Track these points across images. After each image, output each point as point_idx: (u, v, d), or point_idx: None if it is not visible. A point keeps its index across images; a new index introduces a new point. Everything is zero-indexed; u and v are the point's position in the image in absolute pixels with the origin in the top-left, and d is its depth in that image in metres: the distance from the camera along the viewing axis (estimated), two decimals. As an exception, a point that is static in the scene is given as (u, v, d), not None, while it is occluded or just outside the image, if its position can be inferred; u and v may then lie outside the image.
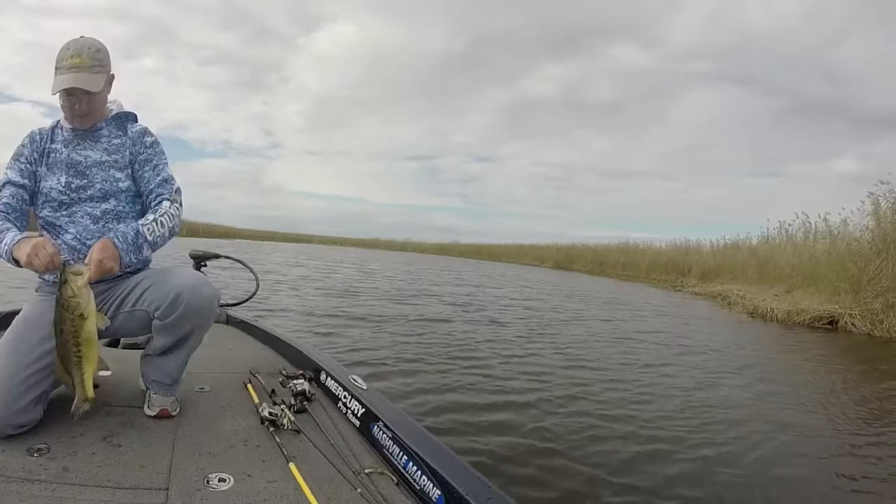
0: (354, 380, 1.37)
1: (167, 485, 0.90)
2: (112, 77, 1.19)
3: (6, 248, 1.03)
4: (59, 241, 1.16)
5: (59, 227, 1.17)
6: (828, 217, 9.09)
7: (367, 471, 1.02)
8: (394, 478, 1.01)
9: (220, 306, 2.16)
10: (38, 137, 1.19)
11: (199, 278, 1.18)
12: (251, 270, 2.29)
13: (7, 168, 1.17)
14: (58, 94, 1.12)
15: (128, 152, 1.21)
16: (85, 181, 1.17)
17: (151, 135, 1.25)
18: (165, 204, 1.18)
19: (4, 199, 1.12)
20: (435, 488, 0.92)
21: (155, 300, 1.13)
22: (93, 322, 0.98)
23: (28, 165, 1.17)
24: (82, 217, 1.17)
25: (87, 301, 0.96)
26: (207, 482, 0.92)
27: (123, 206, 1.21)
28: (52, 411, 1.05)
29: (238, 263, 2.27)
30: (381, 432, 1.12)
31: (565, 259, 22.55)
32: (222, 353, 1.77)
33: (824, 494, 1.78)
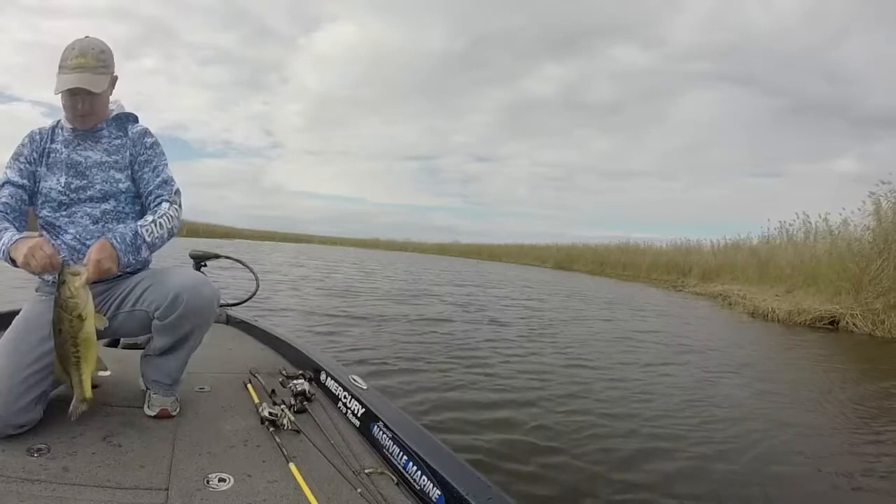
0: (354, 380, 1.37)
1: (167, 485, 0.90)
2: (115, 78, 1.19)
3: (3, 247, 1.03)
4: (58, 242, 1.16)
5: (59, 227, 1.17)
6: (828, 217, 9.10)
7: (367, 471, 1.02)
8: (394, 478, 1.01)
9: (220, 306, 2.16)
10: (37, 137, 1.19)
11: (198, 278, 1.18)
12: (251, 270, 2.29)
13: (6, 168, 1.17)
14: (60, 94, 1.12)
15: (128, 153, 1.21)
16: (85, 182, 1.17)
17: (152, 136, 1.25)
18: (165, 205, 1.18)
19: (3, 199, 1.12)
20: (435, 488, 0.92)
21: (155, 300, 1.13)
22: (91, 323, 0.98)
23: (27, 165, 1.17)
24: (82, 217, 1.17)
25: (86, 302, 0.96)
26: (207, 482, 0.92)
27: (123, 207, 1.21)
28: (52, 411, 1.05)
29: (238, 263, 2.27)
30: (381, 432, 1.12)
31: (566, 259, 22.54)
32: (222, 353, 1.77)
33: (825, 492, 1.78)
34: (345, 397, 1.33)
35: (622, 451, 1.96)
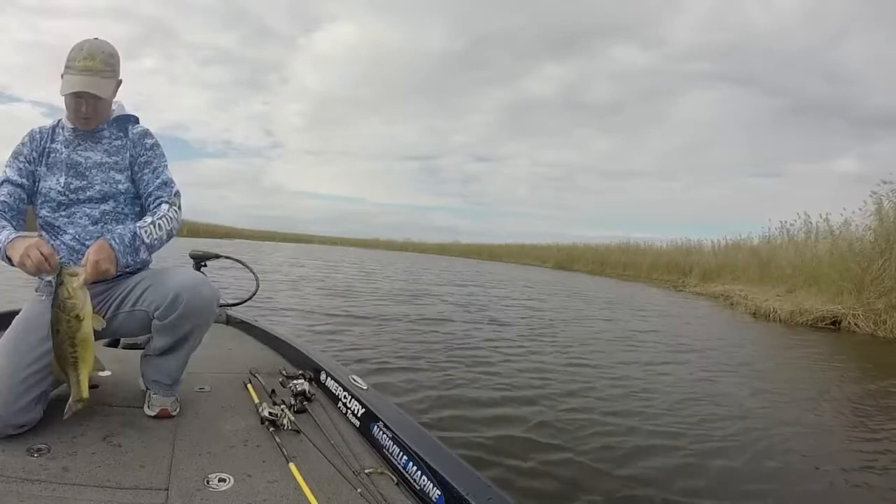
0: (354, 380, 1.37)
1: (167, 485, 0.90)
2: (120, 82, 1.19)
3: (0, 245, 1.02)
4: (57, 242, 1.16)
5: (58, 227, 1.17)
6: (829, 217, 9.09)
7: (367, 471, 1.02)
8: (394, 478, 1.01)
9: (220, 306, 2.16)
10: (38, 136, 1.19)
11: (198, 278, 1.18)
12: (251, 270, 2.29)
13: (6, 166, 1.17)
14: (65, 94, 1.12)
15: (128, 154, 1.21)
16: (84, 182, 1.17)
17: (152, 137, 1.25)
18: (164, 207, 1.18)
19: (1, 198, 1.12)
20: (435, 488, 0.92)
21: (154, 300, 1.13)
22: (89, 323, 0.98)
23: (27, 165, 1.17)
24: (81, 218, 1.17)
25: (84, 302, 0.96)
26: (207, 482, 0.92)
27: (122, 208, 1.21)
28: (52, 411, 1.05)
29: (238, 263, 2.28)
30: (381, 432, 1.12)
31: (566, 259, 22.53)
32: (222, 353, 1.77)
33: (824, 491, 1.78)
34: (345, 397, 1.33)
35: (623, 448, 1.96)
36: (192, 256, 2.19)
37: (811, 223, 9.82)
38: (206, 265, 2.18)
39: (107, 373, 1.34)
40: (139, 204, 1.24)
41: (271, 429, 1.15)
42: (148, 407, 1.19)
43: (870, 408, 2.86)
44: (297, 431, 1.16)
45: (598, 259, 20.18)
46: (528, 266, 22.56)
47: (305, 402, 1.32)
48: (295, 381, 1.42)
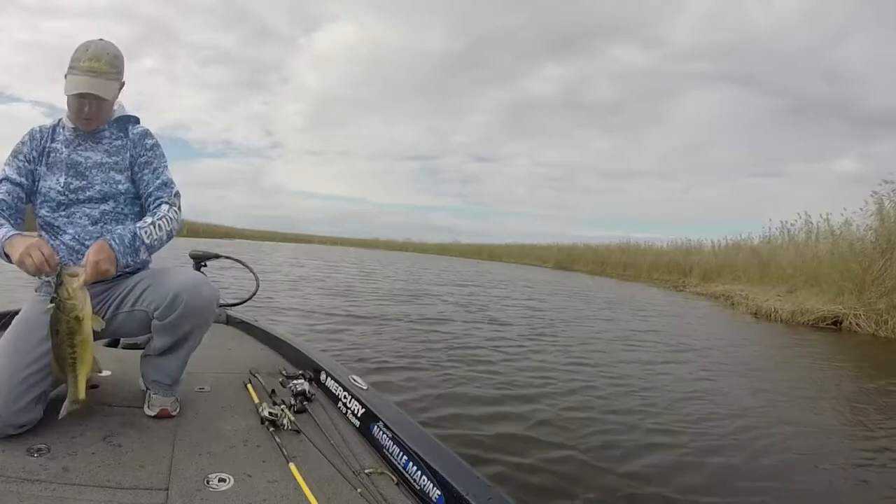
0: (354, 380, 1.37)
1: (167, 485, 0.90)
2: (123, 84, 1.19)
3: None
4: (57, 242, 1.15)
5: (58, 227, 1.17)
6: (829, 217, 9.08)
7: (367, 471, 1.02)
8: (394, 478, 1.01)
9: (220, 306, 2.16)
10: (38, 135, 1.19)
11: (198, 278, 1.18)
12: (251, 270, 2.29)
13: (5, 164, 1.16)
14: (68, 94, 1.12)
15: (128, 154, 1.21)
16: (84, 182, 1.17)
17: (152, 137, 1.25)
18: (164, 207, 1.18)
19: (0, 196, 1.12)
20: (435, 488, 0.92)
21: (154, 300, 1.13)
22: (88, 324, 0.98)
23: (26, 164, 1.16)
24: (81, 218, 1.17)
25: (83, 303, 0.96)
26: (207, 482, 0.92)
27: (122, 208, 1.21)
28: (52, 411, 1.05)
29: (238, 263, 2.28)
30: (381, 432, 1.12)
31: (566, 259, 22.52)
32: (222, 353, 1.77)
33: (824, 490, 1.78)
34: (345, 397, 1.33)
35: (624, 446, 1.97)
36: (192, 256, 2.19)
37: (812, 223, 9.83)
38: (206, 265, 2.18)
39: (107, 373, 1.34)
40: (139, 204, 1.24)
41: (271, 429, 1.15)
42: (148, 407, 1.19)
43: (870, 407, 2.86)
44: (297, 431, 1.16)
45: (598, 259, 20.17)
46: (529, 266, 22.56)
47: (305, 402, 1.32)
48: (295, 381, 1.42)
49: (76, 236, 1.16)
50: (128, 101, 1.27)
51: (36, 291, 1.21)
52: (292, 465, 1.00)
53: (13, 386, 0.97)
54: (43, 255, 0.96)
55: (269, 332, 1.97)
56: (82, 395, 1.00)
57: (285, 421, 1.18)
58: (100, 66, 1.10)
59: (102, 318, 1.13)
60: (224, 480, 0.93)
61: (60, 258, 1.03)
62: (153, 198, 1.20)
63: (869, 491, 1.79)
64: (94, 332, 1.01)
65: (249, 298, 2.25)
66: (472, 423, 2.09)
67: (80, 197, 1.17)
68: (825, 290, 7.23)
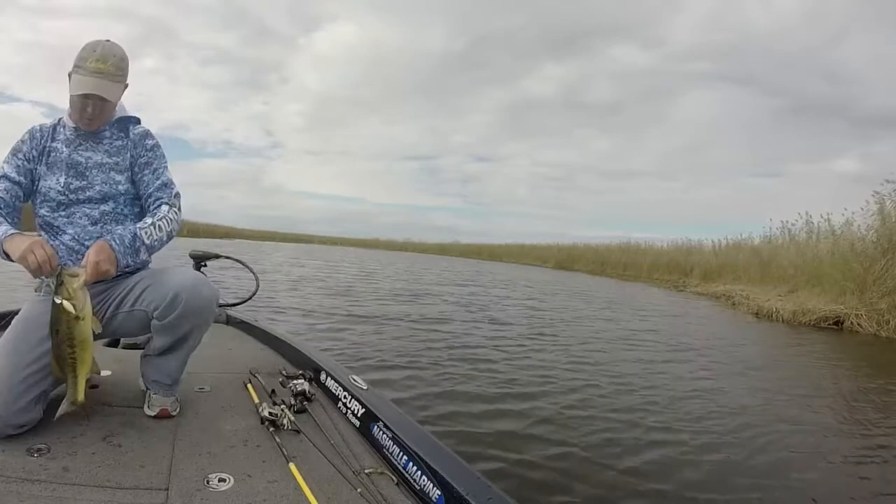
0: (354, 380, 1.37)
1: (167, 485, 0.90)
2: (126, 86, 1.19)
3: None
4: (56, 242, 1.15)
5: (57, 227, 1.17)
6: (830, 217, 9.07)
7: (367, 471, 1.02)
8: (394, 478, 1.01)
9: (220, 306, 2.16)
10: (38, 134, 1.18)
11: (198, 278, 1.18)
12: (251, 270, 2.29)
13: (4, 162, 1.16)
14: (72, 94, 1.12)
15: (129, 155, 1.21)
16: (84, 182, 1.17)
17: (153, 138, 1.25)
18: (164, 208, 1.18)
19: None
20: (435, 488, 0.92)
21: (154, 300, 1.13)
22: (88, 324, 0.97)
23: (25, 163, 1.16)
24: (80, 218, 1.17)
25: (84, 303, 0.96)
26: (207, 482, 0.92)
27: (122, 209, 1.21)
28: (52, 411, 1.05)
29: (238, 263, 2.28)
30: (381, 432, 1.12)
31: (566, 259, 22.52)
32: (222, 353, 1.77)
33: (825, 488, 1.78)
34: (345, 397, 1.33)
35: (624, 444, 1.98)
36: (192, 256, 2.19)
37: (812, 223, 9.81)
38: (206, 265, 2.18)
39: (107, 373, 1.34)
40: (139, 205, 1.24)
41: (271, 429, 1.15)
42: (148, 407, 1.18)
43: (869, 406, 2.86)
44: (297, 431, 1.16)
45: (598, 259, 20.16)
46: (529, 266, 22.57)
47: (305, 402, 1.32)
48: (295, 381, 1.41)
49: (76, 236, 1.16)
50: (128, 102, 1.27)
51: (36, 291, 1.21)
52: (292, 465, 1.00)
53: (13, 386, 0.97)
54: (45, 253, 0.96)
55: (269, 332, 1.97)
56: (81, 396, 0.99)
57: (285, 421, 1.18)
58: (106, 67, 1.10)
59: (102, 317, 1.12)
60: (224, 480, 0.93)
61: (60, 258, 1.03)
62: (153, 198, 1.20)
63: (868, 487, 1.79)
64: (94, 332, 1.01)
65: (249, 298, 2.25)
66: (473, 421, 2.10)
67: (80, 197, 1.17)
68: (826, 290, 7.22)
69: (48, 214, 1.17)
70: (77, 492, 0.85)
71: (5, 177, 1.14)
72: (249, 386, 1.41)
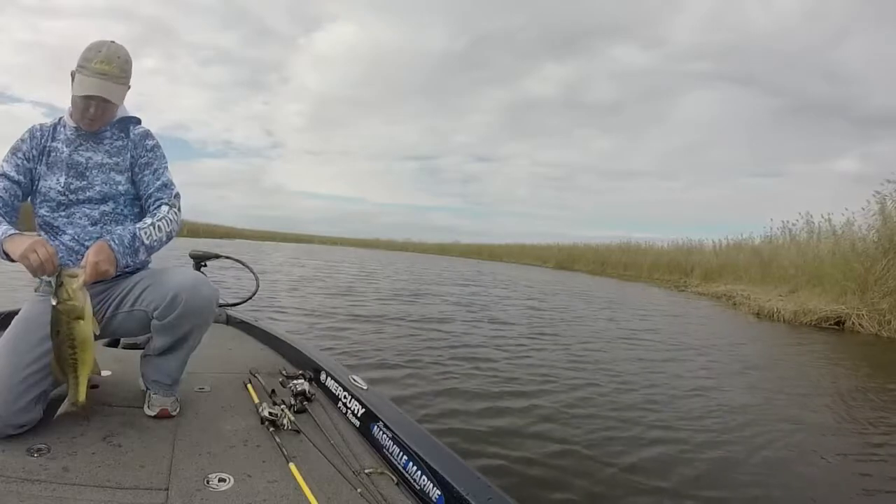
0: (354, 380, 1.37)
1: (167, 485, 0.90)
2: (129, 87, 1.19)
3: None
4: (56, 242, 1.15)
5: (57, 227, 1.17)
6: (831, 217, 9.06)
7: (367, 471, 1.02)
8: (394, 478, 1.01)
9: (220, 306, 2.16)
10: (38, 134, 1.18)
11: (197, 278, 1.18)
12: (251, 270, 2.29)
13: (3, 160, 1.16)
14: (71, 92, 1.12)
15: (129, 155, 1.21)
16: (84, 182, 1.17)
17: (153, 138, 1.25)
18: (164, 209, 1.18)
19: None
20: (435, 488, 0.92)
21: (153, 300, 1.13)
22: (89, 325, 0.97)
23: (25, 162, 1.16)
24: (80, 218, 1.17)
25: (83, 304, 0.96)
26: (207, 482, 0.92)
27: (122, 209, 1.21)
28: (52, 411, 1.05)
29: (238, 263, 2.28)
30: (381, 432, 1.12)
31: (567, 259, 22.52)
32: (222, 353, 1.77)
33: (825, 488, 1.78)
34: (345, 397, 1.33)
35: (625, 441, 1.99)
36: (192, 256, 2.19)
37: (813, 223, 9.80)
38: (206, 265, 2.18)
39: (107, 373, 1.34)
40: (139, 205, 1.24)
41: (271, 429, 1.15)
42: (148, 407, 1.18)
43: (871, 406, 2.86)
44: (297, 431, 1.16)
45: (598, 259, 20.16)
46: (529, 266, 22.58)
47: (305, 402, 1.32)
48: (295, 381, 1.41)
49: (76, 237, 1.16)
50: (128, 102, 1.27)
51: (35, 291, 1.21)
52: (292, 465, 1.00)
53: (13, 386, 0.97)
54: (46, 253, 0.96)
55: (269, 331, 1.97)
56: (83, 397, 0.99)
57: (285, 421, 1.18)
58: (111, 69, 1.10)
59: (102, 317, 1.12)
60: (224, 480, 0.93)
61: (60, 258, 1.03)
62: (153, 199, 1.20)
63: (868, 485, 1.79)
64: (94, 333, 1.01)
65: (249, 298, 2.25)
66: (474, 419, 2.10)
67: (80, 197, 1.17)
68: (827, 290, 7.21)
69: (48, 214, 1.17)
70: (77, 492, 0.85)
71: (4, 175, 1.13)
72: (249, 386, 1.41)
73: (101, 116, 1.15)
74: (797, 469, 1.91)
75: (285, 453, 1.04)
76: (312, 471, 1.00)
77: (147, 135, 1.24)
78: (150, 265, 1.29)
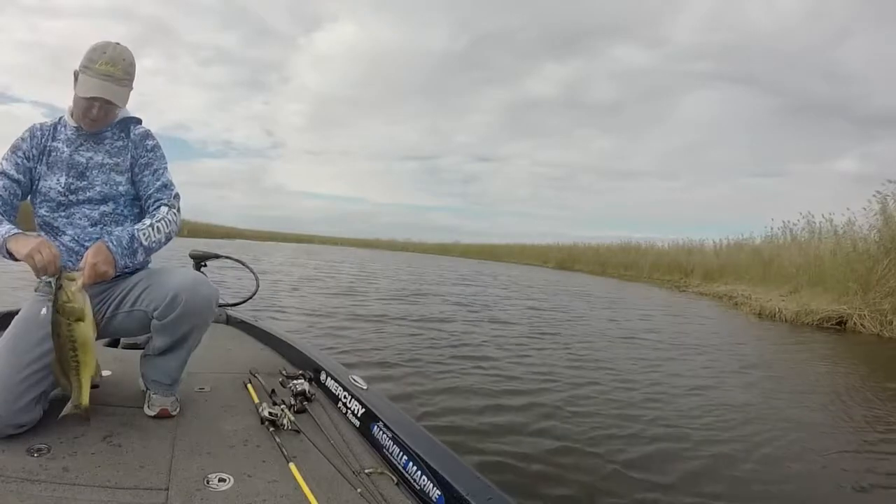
0: (354, 380, 1.36)
1: (167, 485, 0.90)
2: (131, 89, 1.19)
3: (1, 238, 1.02)
4: (56, 243, 1.15)
5: (57, 228, 1.17)
6: (832, 217, 9.04)
7: (367, 471, 1.02)
8: (394, 478, 1.01)
9: (220, 306, 2.16)
10: (38, 133, 1.18)
11: (197, 278, 1.18)
12: (251, 270, 2.29)
13: (3, 159, 1.15)
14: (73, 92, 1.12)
15: (129, 155, 1.21)
16: (85, 183, 1.17)
17: (153, 138, 1.25)
18: (163, 209, 1.18)
19: None
20: (435, 488, 0.92)
21: (153, 300, 1.13)
22: (89, 327, 0.97)
23: (25, 161, 1.16)
24: (80, 219, 1.17)
25: (83, 306, 0.96)
26: (207, 482, 0.92)
27: (122, 210, 1.21)
28: (52, 411, 1.05)
29: (238, 263, 2.28)
30: (381, 432, 1.12)
31: (567, 259, 22.51)
32: (222, 353, 1.77)
33: (826, 488, 1.78)
34: (345, 397, 1.33)
35: (625, 439, 1.99)
36: (192, 256, 2.19)
37: (814, 223, 9.78)
38: (205, 265, 2.18)
39: (107, 373, 1.34)
40: (139, 206, 1.24)
41: (271, 429, 1.15)
42: (148, 407, 1.18)
43: (877, 408, 2.85)
44: (297, 431, 1.16)
45: (599, 259, 20.15)
46: (530, 266, 22.58)
47: (305, 402, 1.32)
48: (295, 381, 1.41)
49: (75, 237, 1.16)
50: (129, 102, 1.27)
51: (35, 291, 1.21)
52: (292, 465, 1.00)
53: (13, 386, 0.97)
54: (51, 253, 0.97)
55: (269, 331, 1.97)
56: (86, 400, 0.99)
57: (285, 421, 1.18)
58: (115, 71, 1.10)
59: (102, 317, 1.12)
60: (224, 480, 0.93)
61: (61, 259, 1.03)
62: (153, 199, 1.20)
63: (875, 493, 1.78)
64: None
65: (249, 298, 2.25)
66: (476, 417, 2.11)
67: (81, 198, 1.16)
68: (829, 290, 7.20)
69: (48, 214, 1.17)
70: (77, 492, 0.85)
71: (4, 174, 1.13)
72: (249, 386, 1.41)
73: (103, 118, 1.15)
74: (796, 466, 1.91)
75: (285, 453, 1.04)
76: (312, 471, 0.99)
77: (147, 135, 1.24)
78: (149, 265, 1.29)
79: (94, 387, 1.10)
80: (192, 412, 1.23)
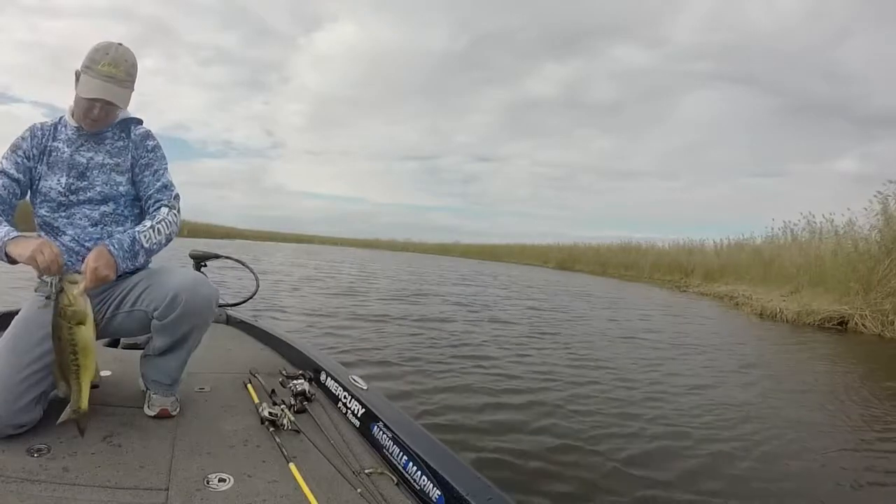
0: (354, 380, 1.36)
1: (167, 485, 0.90)
2: (133, 91, 1.19)
3: (1, 240, 1.02)
4: (56, 243, 1.14)
5: (57, 228, 1.17)
6: (833, 217, 9.03)
7: (367, 471, 1.02)
8: (394, 478, 1.01)
9: (220, 306, 2.16)
10: (39, 133, 1.18)
11: (197, 278, 1.18)
12: (251, 270, 2.29)
13: (3, 158, 1.15)
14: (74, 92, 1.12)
15: (130, 156, 1.21)
16: (85, 183, 1.17)
17: (154, 139, 1.25)
18: (164, 210, 1.18)
19: None
20: (435, 488, 0.92)
21: (153, 300, 1.13)
22: (90, 330, 0.97)
23: (25, 160, 1.15)
24: (81, 219, 1.17)
25: (85, 309, 0.96)
26: (207, 482, 0.92)
27: (122, 210, 1.21)
28: (52, 411, 1.04)
29: (238, 263, 2.28)
30: (381, 432, 1.12)
31: (567, 259, 22.51)
32: (222, 353, 1.77)
33: (827, 488, 1.78)
34: (345, 397, 1.33)
35: (625, 438, 1.99)
36: (192, 256, 2.19)
37: (815, 223, 9.77)
38: (205, 265, 2.18)
39: (107, 373, 1.34)
40: (139, 206, 1.24)
41: (271, 429, 1.15)
42: (148, 407, 1.18)
43: (878, 408, 2.85)
44: (297, 431, 1.16)
45: (599, 259, 20.14)
46: (530, 266, 22.58)
47: (305, 403, 1.32)
48: (295, 381, 1.41)
49: (76, 237, 1.16)
50: (130, 103, 1.27)
51: (35, 291, 1.21)
52: (292, 465, 1.00)
53: (13, 386, 0.97)
54: (53, 253, 0.97)
55: (269, 331, 1.97)
56: (85, 404, 0.98)
57: (285, 421, 1.18)
58: (118, 72, 1.10)
59: (102, 318, 1.12)
60: (224, 480, 0.93)
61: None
62: (153, 200, 1.20)
63: (876, 494, 1.78)
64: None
65: (249, 298, 2.25)
66: (476, 415, 2.11)
67: (81, 198, 1.16)
68: (830, 290, 7.19)
69: (48, 215, 1.17)
70: (77, 492, 0.85)
71: (4, 173, 1.13)
72: (249, 386, 1.41)
73: (104, 118, 1.15)
74: (795, 464, 1.91)
75: (285, 453, 1.04)
76: (312, 471, 0.99)
77: (148, 135, 1.24)
78: (149, 265, 1.29)
79: (94, 386, 1.10)
80: (192, 412, 1.23)
